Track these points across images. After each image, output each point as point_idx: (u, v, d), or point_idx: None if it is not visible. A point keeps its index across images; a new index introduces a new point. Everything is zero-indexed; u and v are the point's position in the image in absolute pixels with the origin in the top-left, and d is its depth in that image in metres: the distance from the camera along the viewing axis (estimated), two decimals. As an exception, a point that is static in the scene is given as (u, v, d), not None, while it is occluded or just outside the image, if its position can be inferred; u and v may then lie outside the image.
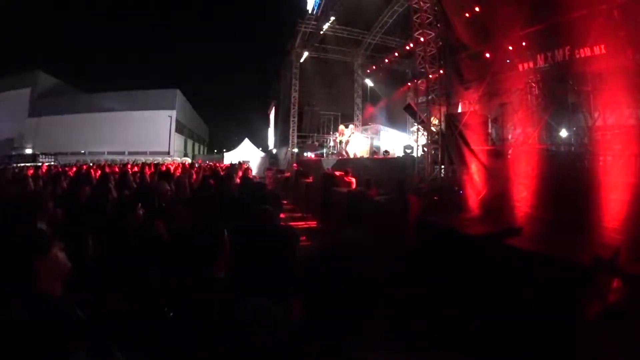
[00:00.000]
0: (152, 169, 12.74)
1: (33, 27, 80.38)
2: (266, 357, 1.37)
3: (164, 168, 14.63)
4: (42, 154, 48.21)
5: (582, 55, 7.76)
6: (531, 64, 9.67)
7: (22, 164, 25.64)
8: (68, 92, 66.52)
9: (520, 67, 9.80)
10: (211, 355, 1.91)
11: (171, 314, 2.39)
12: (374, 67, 30.05)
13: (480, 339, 5.27)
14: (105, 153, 57.00)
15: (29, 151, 55.48)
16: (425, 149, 14.17)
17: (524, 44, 9.59)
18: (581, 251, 5.25)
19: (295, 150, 30.15)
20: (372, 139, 28.13)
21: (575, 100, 9.74)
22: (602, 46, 7.15)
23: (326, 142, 32.72)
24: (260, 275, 2.66)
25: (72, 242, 2.25)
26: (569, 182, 6.93)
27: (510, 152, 9.52)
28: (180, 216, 4.23)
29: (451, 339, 5.51)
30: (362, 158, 24.58)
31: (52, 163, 31.11)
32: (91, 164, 22.71)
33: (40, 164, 27.98)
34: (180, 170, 14.60)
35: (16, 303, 1.70)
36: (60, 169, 15.65)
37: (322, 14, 24.43)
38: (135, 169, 13.79)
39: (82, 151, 58.47)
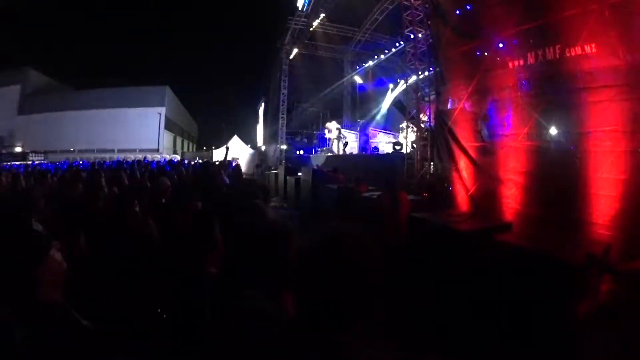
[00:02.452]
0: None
1: (23, 24, 79.49)
2: (261, 351, 1.36)
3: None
4: (32, 152, 48.11)
5: (573, 54, 7.77)
6: (521, 62, 9.68)
7: (12, 162, 25.56)
8: (58, 89, 66.28)
9: (510, 64, 9.81)
10: (206, 350, 1.89)
11: (164, 315, 2.36)
12: (363, 64, 30.00)
13: (471, 336, 5.29)
14: (95, 151, 56.86)
15: (18, 149, 55.12)
16: (415, 146, 14.22)
17: (514, 41, 9.61)
18: (572, 248, 5.28)
19: (284, 147, 30.01)
20: (360, 135, 28.18)
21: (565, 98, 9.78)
22: (593, 45, 7.16)
23: (315, 139, 32.71)
24: (253, 270, 2.64)
25: (63, 241, 2.17)
26: (559, 178, 6.98)
27: (499, 149, 9.55)
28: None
29: (442, 336, 5.53)
30: (351, 154, 24.63)
31: (42, 161, 31.06)
32: (81, 162, 22.63)
33: (30, 162, 27.89)
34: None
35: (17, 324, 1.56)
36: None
37: (312, 11, 24.37)
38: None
39: (72, 149, 58.13)
